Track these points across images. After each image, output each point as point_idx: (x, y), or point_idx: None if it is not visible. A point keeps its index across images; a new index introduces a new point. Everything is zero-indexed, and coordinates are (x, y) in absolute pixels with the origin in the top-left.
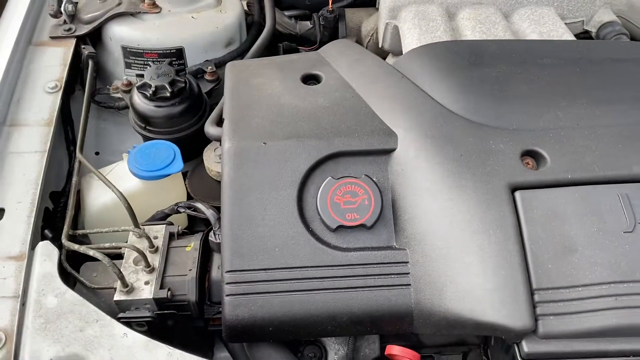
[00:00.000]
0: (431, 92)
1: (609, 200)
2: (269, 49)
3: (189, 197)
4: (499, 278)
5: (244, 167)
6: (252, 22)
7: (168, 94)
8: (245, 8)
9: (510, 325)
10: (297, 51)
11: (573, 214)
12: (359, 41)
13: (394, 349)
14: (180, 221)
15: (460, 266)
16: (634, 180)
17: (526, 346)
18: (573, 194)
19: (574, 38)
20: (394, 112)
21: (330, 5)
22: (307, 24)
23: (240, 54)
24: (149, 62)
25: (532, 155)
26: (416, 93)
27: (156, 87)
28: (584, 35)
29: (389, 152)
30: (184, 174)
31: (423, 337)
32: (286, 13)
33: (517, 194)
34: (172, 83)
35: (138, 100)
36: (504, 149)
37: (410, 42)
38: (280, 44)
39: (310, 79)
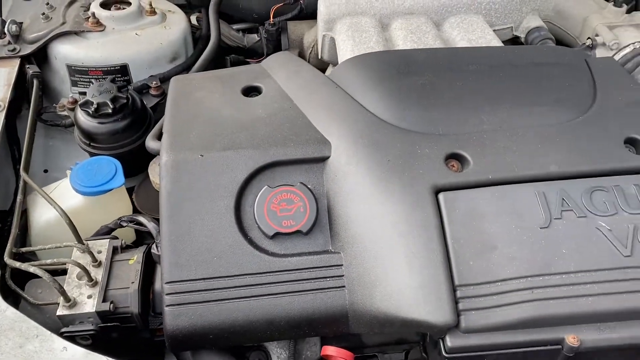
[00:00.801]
0: (363, 101)
1: (526, 198)
2: (217, 62)
3: (136, 211)
4: (423, 276)
5: (181, 179)
6: (200, 37)
7: (110, 111)
8: (195, 22)
9: (434, 321)
10: (245, 63)
11: (493, 213)
12: (302, 53)
13: (328, 350)
14: (128, 235)
15: (388, 267)
16: (550, 179)
17: (449, 341)
18: (493, 193)
19: (501, 44)
20: (328, 122)
21: (271, 19)
22: (255, 37)
23: (185, 69)
24: (94, 80)
25: (456, 158)
26: (348, 103)
27: (98, 104)
28: (513, 40)
29: (323, 159)
30: (131, 189)
31: (365, 337)
32: (235, 26)
33: (441, 195)
34: (114, 99)
35: (81, 117)
36: (429, 153)
37: (344, 53)
38: (228, 56)
39: (251, 91)
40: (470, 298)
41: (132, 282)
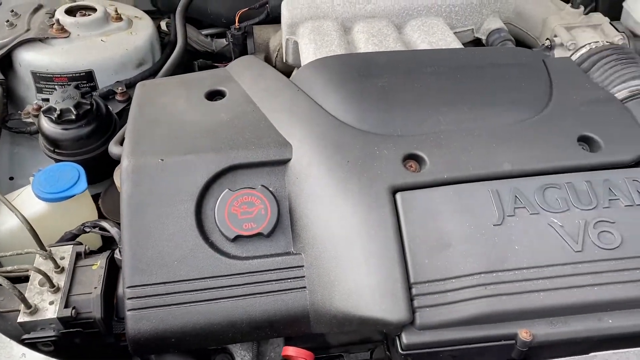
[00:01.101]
0: (324, 103)
1: (481, 196)
2: (185, 67)
3: (102, 217)
4: (380, 275)
5: (142, 183)
6: (169, 42)
7: (73, 117)
8: (165, 28)
9: (389, 318)
10: (212, 68)
11: (448, 211)
12: (268, 56)
13: (288, 350)
14: (95, 241)
15: (347, 266)
16: (504, 177)
17: (405, 338)
18: (448, 192)
19: (461, 46)
20: (290, 125)
21: (236, 24)
22: (223, 42)
23: (152, 74)
24: (59, 86)
25: (414, 158)
26: (310, 105)
27: (61, 110)
28: (475, 42)
29: (284, 162)
30: (98, 195)
31: (330, 337)
32: (204, 31)
33: (398, 195)
34: (77, 105)
35: (45, 124)
36: (387, 154)
37: (307, 56)
38: (196, 61)
39: (215, 95)
40: (425, 295)
41: (95, 288)
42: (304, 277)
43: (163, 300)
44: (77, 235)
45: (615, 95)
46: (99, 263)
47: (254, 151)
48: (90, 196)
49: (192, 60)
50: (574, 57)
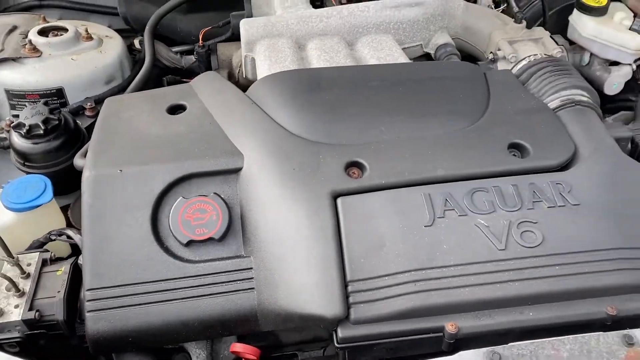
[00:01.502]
0: (275, 115)
1: (414, 200)
2: (155, 83)
3: (71, 227)
4: (318, 275)
5: (101, 193)
6: (139, 59)
7: (42, 132)
8: (138, 46)
9: (325, 314)
10: (180, 83)
11: (384, 214)
12: (231, 72)
13: (236, 347)
14: (64, 249)
15: (290, 267)
16: (437, 182)
17: (340, 332)
18: (385, 196)
19: (407, 61)
20: (242, 136)
21: (200, 42)
22: (192, 58)
23: (121, 90)
24: (30, 103)
25: (356, 165)
26: (261, 118)
27: (30, 125)
28: (425, 56)
29: (236, 171)
30: (68, 206)
31: (283, 336)
32: (175, 49)
33: (339, 200)
34: (45, 121)
35: (15, 138)
36: (330, 162)
37: (262, 72)
38: (165, 77)
39: (177, 109)
40: (360, 292)
41: (58, 292)
42: (252, 278)
43: (120, 302)
44: (44, 243)
45: (549, 104)
46: (63, 269)
47: (207, 161)
48: (57, 206)
49: (162, 76)
50: (514, 69)
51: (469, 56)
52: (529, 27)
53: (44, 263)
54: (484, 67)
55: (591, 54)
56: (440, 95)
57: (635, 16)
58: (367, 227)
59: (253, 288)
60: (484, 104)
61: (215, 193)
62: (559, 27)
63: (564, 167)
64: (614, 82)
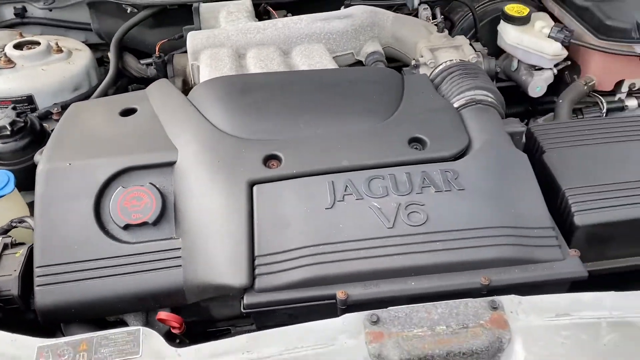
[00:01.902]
0: (208, 116)
1: (319, 187)
2: (123, 90)
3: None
4: (230, 251)
5: (52, 184)
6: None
7: (9, 132)
8: None
9: (233, 284)
10: None
11: (291, 199)
12: (186, 80)
13: (161, 314)
14: (29, 237)
15: (209, 245)
16: (342, 171)
17: (246, 299)
18: (294, 184)
19: (334, 67)
20: (178, 133)
21: (157, 52)
22: None
23: (87, 97)
24: (2, 108)
25: (275, 158)
26: (196, 118)
27: None
28: (357, 63)
29: (171, 164)
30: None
31: (213, 310)
32: (143, 61)
33: (255, 188)
34: (12, 123)
35: None
36: (251, 155)
37: (203, 78)
38: (130, 85)
39: (129, 112)
40: (265, 265)
41: (15, 270)
42: (180, 257)
43: (65, 277)
44: (7, 230)
45: (455, 103)
46: (21, 251)
47: (145, 155)
48: (21, 197)
49: (129, 85)
50: (432, 74)
51: (397, 62)
52: (465, 35)
53: (5, 247)
54: (408, 72)
55: (518, 60)
56: (356, 97)
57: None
58: (276, 209)
59: (180, 265)
60: (396, 104)
61: (150, 183)
62: (492, 35)
63: (457, 157)
64: (537, 85)
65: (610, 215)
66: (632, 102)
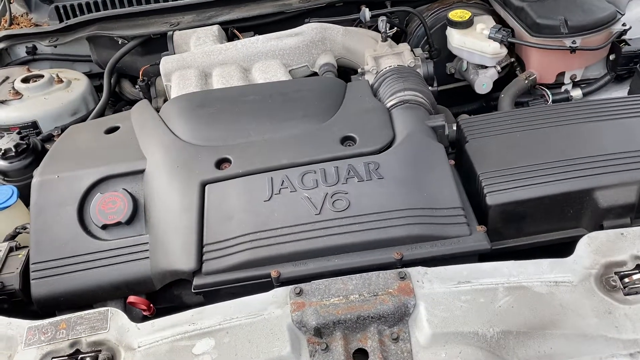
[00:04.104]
0: (173, 128)
1: (259, 183)
2: (119, 112)
3: None
4: (184, 241)
5: (43, 193)
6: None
7: (13, 153)
8: None
9: (184, 268)
10: None
11: (235, 194)
12: (166, 99)
13: (131, 298)
14: None
15: (168, 238)
16: (281, 168)
17: (195, 281)
18: (239, 182)
19: (287, 79)
20: (148, 145)
21: (140, 77)
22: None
23: (83, 119)
24: (8, 133)
25: (227, 161)
26: (162, 130)
27: (5, 149)
28: (313, 74)
29: (141, 172)
30: None
31: (185, 298)
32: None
33: (206, 187)
34: (16, 146)
35: None
36: (205, 159)
37: (173, 96)
38: (123, 107)
39: (112, 130)
40: (211, 252)
41: (17, 268)
42: (147, 250)
43: (54, 271)
44: (14, 236)
45: (388, 104)
46: (23, 253)
47: (119, 165)
48: (24, 207)
49: (125, 106)
50: (375, 79)
51: (353, 71)
52: (419, 42)
53: (11, 250)
54: (355, 79)
55: (467, 61)
56: (300, 104)
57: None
58: (223, 204)
59: (148, 257)
60: (335, 108)
61: (123, 189)
62: (444, 40)
63: (382, 151)
64: (483, 83)
65: (519, 194)
66: (576, 92)
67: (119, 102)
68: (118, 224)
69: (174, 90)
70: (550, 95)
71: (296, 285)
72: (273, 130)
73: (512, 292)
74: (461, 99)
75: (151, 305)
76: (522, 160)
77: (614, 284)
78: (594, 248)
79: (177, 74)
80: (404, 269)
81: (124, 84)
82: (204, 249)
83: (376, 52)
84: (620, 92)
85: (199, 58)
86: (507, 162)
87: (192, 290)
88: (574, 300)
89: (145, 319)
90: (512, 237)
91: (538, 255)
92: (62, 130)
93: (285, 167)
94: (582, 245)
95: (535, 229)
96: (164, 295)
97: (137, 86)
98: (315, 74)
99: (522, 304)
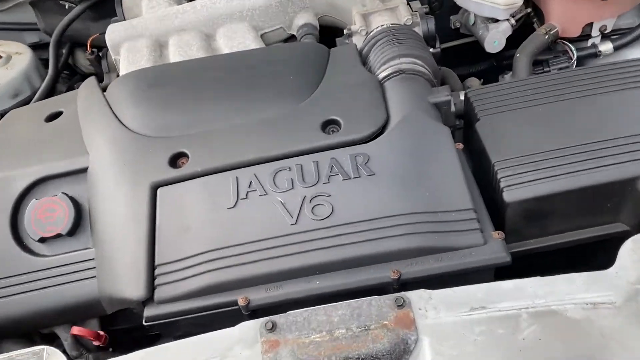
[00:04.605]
0: (120, 114)
1: (222, 184)
2: (72, 89)
3: None
4: (130, 261)
5: None
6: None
7: None
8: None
9: (132, 297)
10: None
11: (194, 200)
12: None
13: (74, 330)
14: None
15: (114, 255)
16: (249, 164)
17: (146, 311)
18: (197, 183)
19: (260, 46)
20: (91, 136)
21: (88, 48)
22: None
23: (26, 102)
24: None
25: (184, 155)
26: (108, 118)
27: None
28: (291, 37)
29: (84, 170)
30: None
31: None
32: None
33: (158, 190)
34: None
35: None
36: (157, 155)
37: (121, 73)
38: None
39: (54, 117)
40: (165, 274)
41: None
42: (94, 268)
43: None
44: None
45: (380, 74)
46: None
47: (57, 163)
48: None
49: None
50: (364, 42)
51: (340, 32)
52: None
53: None
54: (341, 42)
55: (475, 14)
56: (273, 79)
57: None
58: (178, 213)
59: (95, 276)
60: (316, 82)
61: (63, 192)
62: None
63: (373, 138)
64: (494, 40)
65: (544, 188)
66: (606, 46)
67: (74, 77)
68: (58, 236)
69: (123, 66)
70: (575, 52)
71: (268, 319)
72: (240, 114)
73: (539, 319)
74: (468, 58)
75: (101, 333)
76: (547, 143)
77: None
78: None
79: (127, 46)
80: (403, 293)
81: (78, 56)
82: (156, 271)
83: (366, 8)
84: None
85: (151, 24)
86: (528, 146)
87: (144, 323)
88: (618, 327)
89: (100, 349)
90: (534, 236)
91: (565, 256)
92: (2, 115)
93: (254, 162)
94: (625, 252)
95: (564, 226)
96: (122, 314)
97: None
98: (292, 37)
99: (552, 334)
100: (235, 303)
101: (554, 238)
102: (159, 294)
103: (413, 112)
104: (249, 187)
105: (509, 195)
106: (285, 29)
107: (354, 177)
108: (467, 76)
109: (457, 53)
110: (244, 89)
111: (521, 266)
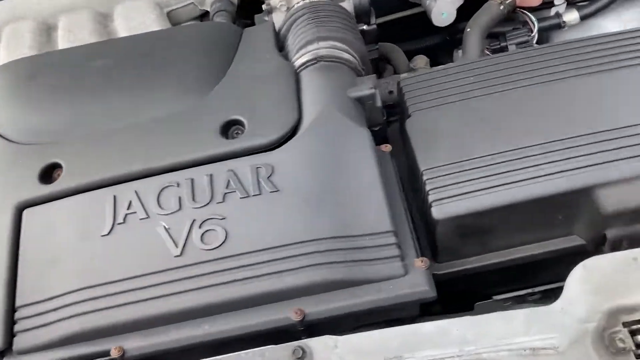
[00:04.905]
0: None
1: (98, 205)
2: None
3: None
4: None
5: None
6: None
7: None
8: None
9: None
10: None
11: (64, 224)
12: None
13: None
14: None
15: None
16: (132, 178)
17: None
18: (70, 203)
19: (161, 27)
20: None
21: None
22: None
23: None
24: None
25: (58, 166)
26: None
27: None
28: (204, 15)
29: None
30: None
31: None
32: None
33: (25, 212)
34: None
35: None
36: (27, 166)
37: (2, 63)
38: None
39: None
40: (26, 319)
41: None
42: None
43: None
44: None
45: (296, 61)
46: None
47: None
48: None
49: None
50: (284, 20)
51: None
52: None
53: None
54: (259, 20)
55: None
56: (170, 69)
57: None
58: (46, 241)
59: None
60: (221, 73)
61: None
62: None
63: (281, 144)
64: (442, 11)
65: (478, 203)
66: (572, 16)
67: None
68: None
69: (3, 54)
70: (536, 22)
71: None
72: (127, 113)
73: None
74: (419, 31)
75: None
76: (487, 145)
77: (621, 344)
78: (593, 285)
79: (8, 30)
80: (304, 341)
81: None
82: (16, 315)
83: None
84: (633, 12)
85: (36, 4)
86: (464, 150)
87: None
88: None
89: None
90: (474, 254)
91: (512, 276)
92: None
93: (139, 175)
94: (574, 282)
95: (508, 242)
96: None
97: None
98: (206, 14)
99: None
100: (107, 353)
101: (497, 255)
102: (18, 343)
103: (326, 112)
104: (128, 208)
105: (437, 212)
106: (197, 4)
107: (254, 195)
108: (416, 53)
109: (406, 25)
110: (135, 82)
111: (461, 285)
